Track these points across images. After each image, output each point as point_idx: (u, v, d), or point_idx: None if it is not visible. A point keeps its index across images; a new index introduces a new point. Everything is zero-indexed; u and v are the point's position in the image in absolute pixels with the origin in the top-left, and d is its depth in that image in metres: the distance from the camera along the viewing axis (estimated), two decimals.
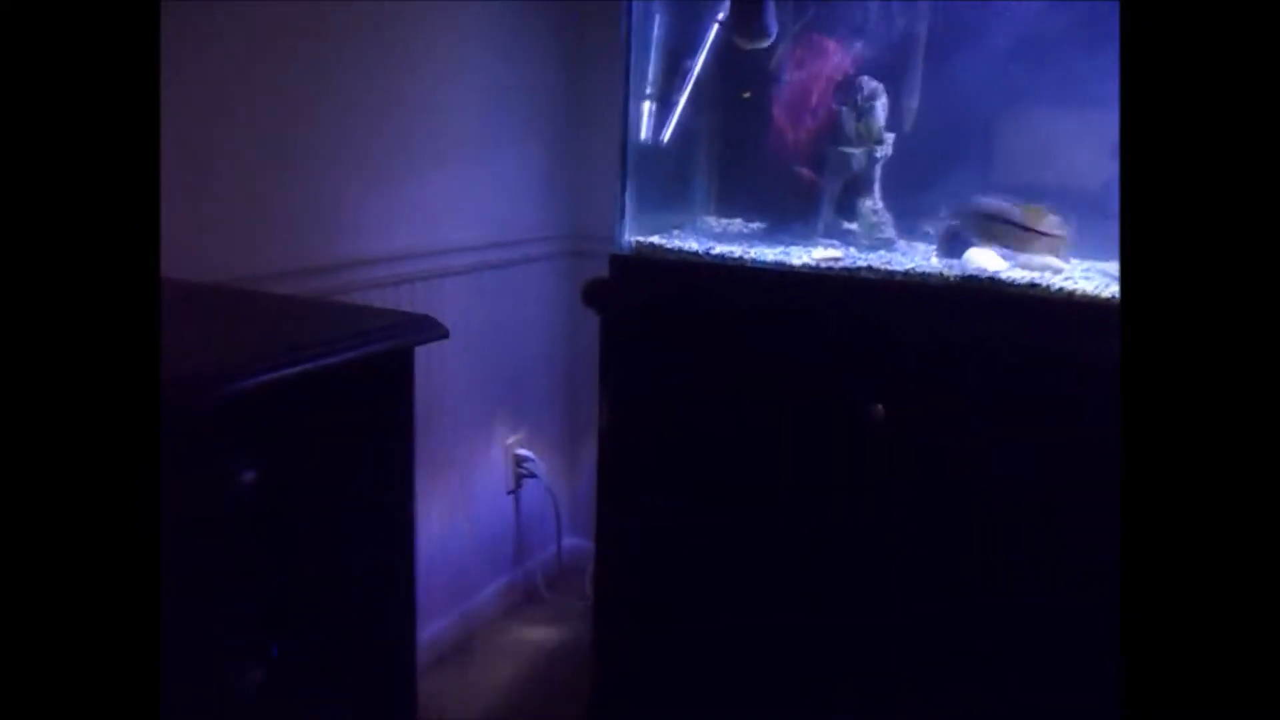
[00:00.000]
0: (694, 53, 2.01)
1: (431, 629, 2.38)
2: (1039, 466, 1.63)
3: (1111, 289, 1.63)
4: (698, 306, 1.87)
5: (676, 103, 2.02)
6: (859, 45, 1.93)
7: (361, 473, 1.33)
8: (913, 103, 1.92)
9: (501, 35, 2.40)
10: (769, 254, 1.86)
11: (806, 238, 1.96)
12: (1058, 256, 1.75)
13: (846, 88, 1.90)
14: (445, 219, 2.29)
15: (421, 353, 1.35)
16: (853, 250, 1.89)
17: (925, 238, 1.93)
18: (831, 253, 1.86)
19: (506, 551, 2.68)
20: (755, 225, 2.12)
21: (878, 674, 1.78)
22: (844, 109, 1.90)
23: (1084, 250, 1.79)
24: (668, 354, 1.90)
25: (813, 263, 1.81)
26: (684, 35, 2.01)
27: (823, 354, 1.77)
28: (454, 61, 2.26)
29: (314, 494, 1.25)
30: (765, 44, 1.92)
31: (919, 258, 1.85)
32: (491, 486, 2.59)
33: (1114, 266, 1.74)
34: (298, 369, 1.15)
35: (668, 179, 2.15)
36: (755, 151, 2.08)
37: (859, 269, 1.77)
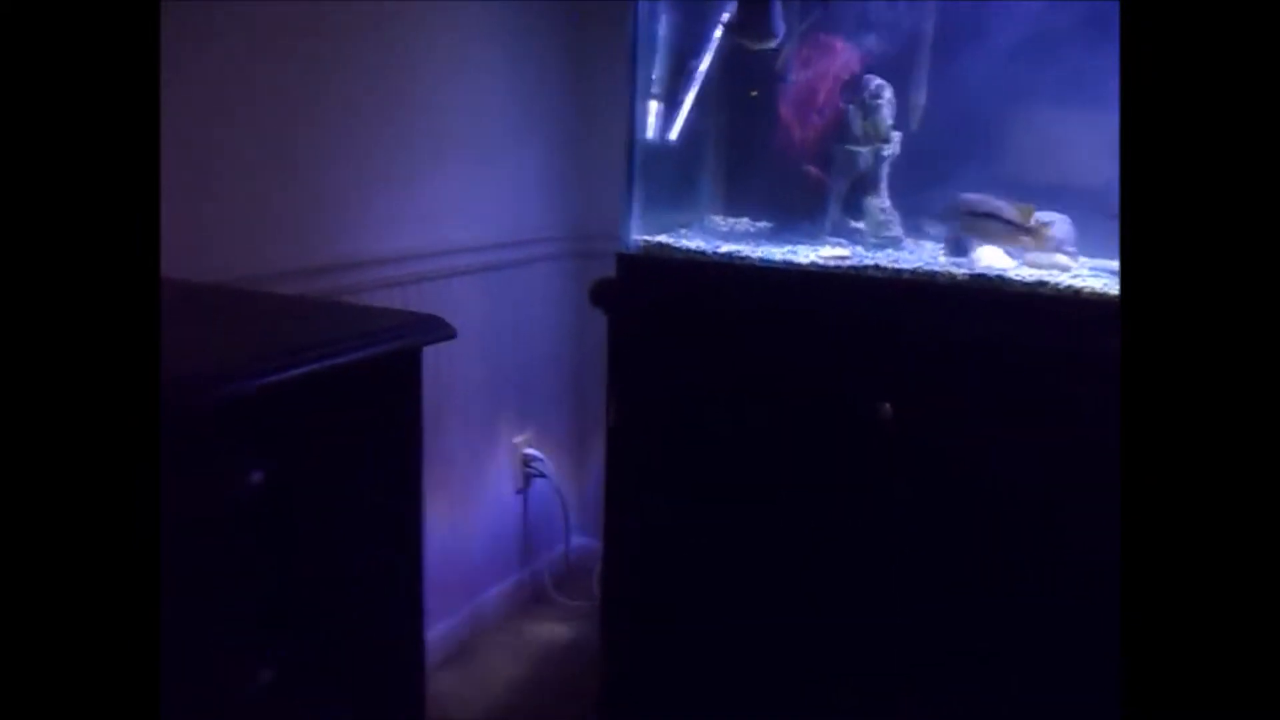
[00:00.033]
0: (700, 52, 2.00)
1: (439, 628, 2.38)
2: (1046, 466, 1.63)
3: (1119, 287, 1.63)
4: (705, 306, 1.87)
5: (683, 102, 2.02)
6: (865, 44, 1.92)
7: (369, 473, 1.33)
8: (920, 101, 1.92)
9: (508, 35, 2.40)
10: (776, 253, 1.86)
11: (813, 237, 1.96)
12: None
13: (853, 86, 1.90)
14: (452, 219, 2.29)
15: (429, 353, 1.35)
16: (860, 249, 1.89)
17: (933, 236, 1.93)
18: (839, 251, 1.86)
19: (514, 551, 2.68)
20: (762, 224, 2.12)
21: (885, 673, 1.78)
22: (851, 107, 1.89)
23: (1092, 249, 1.78)
24: (675, 354, 1.90)
25: (820, 262, 1.81)
26: (690, 34, 2.01)
27: (830, 353, 1.77)
28: (461, 61, 2.27)
29: (322, 494, 1.25)
30: (772, 44, 1.92)
31: (926, 256, 1.84)
32: (499, 486, 2.59)
33: None
34: (305, 369, 1.15)
35: (674, 178, 2.15)
36: (762, 150, 2.08)
37: (866, 268, 1.77)
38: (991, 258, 1.76)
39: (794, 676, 1.86)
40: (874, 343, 1.74)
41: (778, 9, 1.89)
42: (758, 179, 2.16)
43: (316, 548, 1.26)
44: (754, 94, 2.07)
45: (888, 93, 1.88)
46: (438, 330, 1.35)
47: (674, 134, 2.03)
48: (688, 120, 2.03)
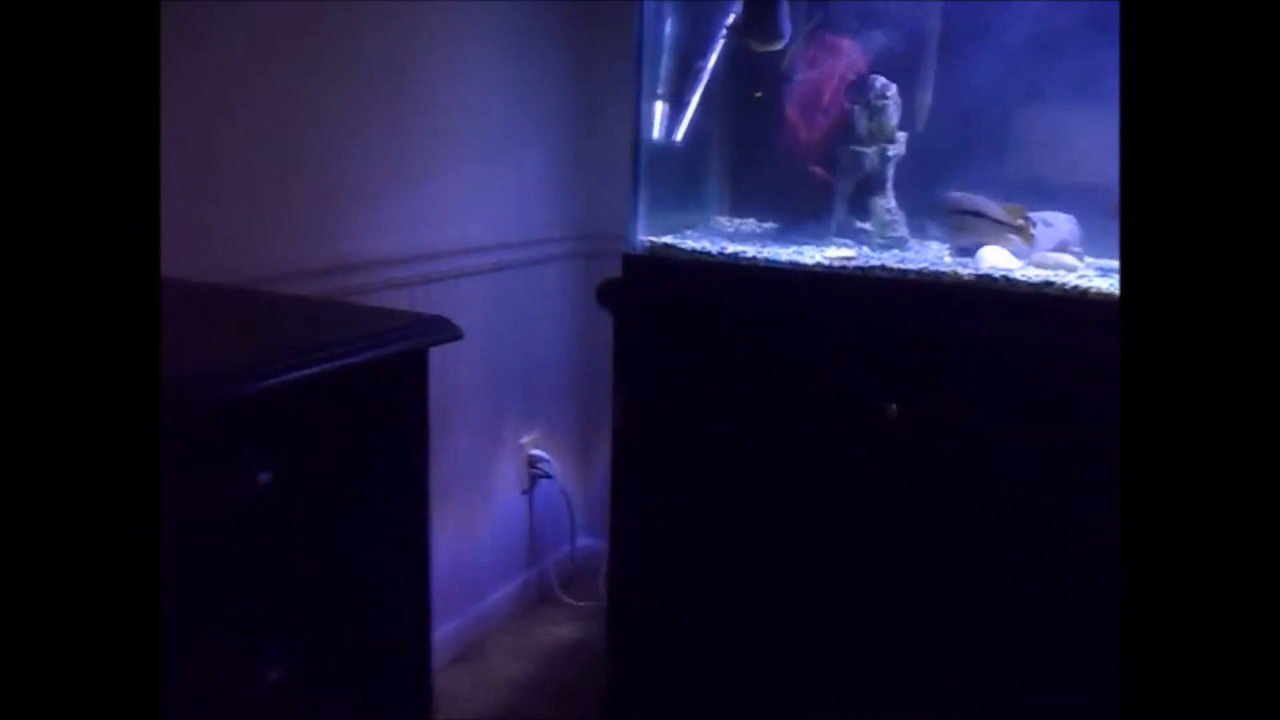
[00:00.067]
0: (706, 52, 2.01)
1: (446, 628, 2.39)
2: (1052, 466, 1.63)
3: None
4: (710, 306, 1.88)
5: (689, 102, 2.02)
6: (871, 44, 1.93)
7: (376, 474, 1.33)
8: (925, 101, 1.92)
9: (514, 35, 2.41)
10: (782, 254, 1.86)
11: (819, 237, 1.96)
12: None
13: (859, 86, 1.90)
14: (458, 220, 2.30)
15: (435, 353, 1.36)
16: (866, 249, 1.89)
17: (938, 236, 1.93)
18: (845, 252, 1.86)
19: (520, 551, 2.68)
20: (768, 225, 2.12)
21: (890, 673, 1.78)
22: (856, 108, 1.90)
23: (1101, 249, 1.78)
24: (681, 354, 1.90)
25: (826, 262, 1.81)
26: (696, 35, 2.01)
27: (836, 354, 1.77)
28: (467, 62, 2.27)
29: (329, 495, 1.26)
30: (779, 46, 1.92)
31: (932, 256, 1.84)
32: (505, 487, 2.60)
33: None
34: (313, 370, 1.15)
35: (680, 179, 2.15)
36: (768, 151, 2.08)
37: (872, 268, 1.77)
38: (997, 258, 1.76)
39: (800, 676, 1.87)
40: (880, 343, 1.74)
41: (784, 10, 1.89)
42: (763, 180, 2.16)
43: (323, 548, 1.26)
44: (759, 95, 2.08)
45: (893, 93, 1.88)
46: (444, 331, 1.35)
47: (679, 134, 2.03)
48: (693, 121, 2.04)
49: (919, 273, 1.74)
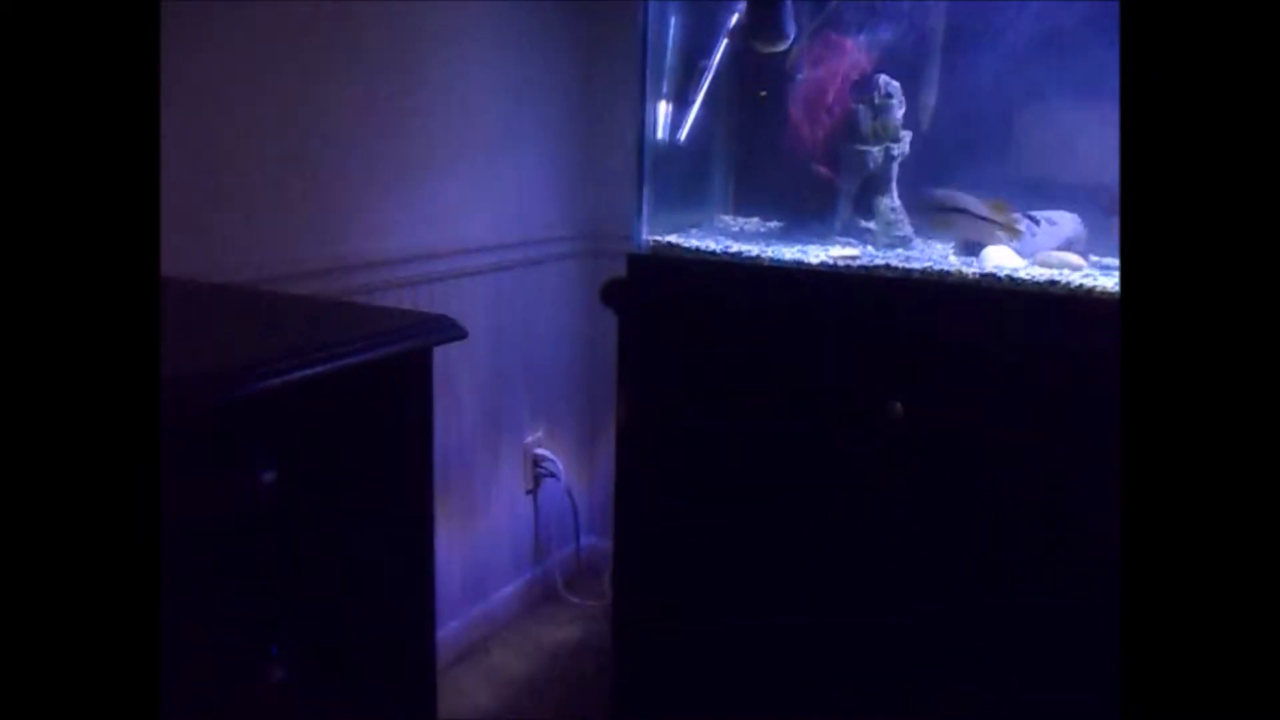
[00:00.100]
0: (710, 52, 2.00)
1: (450, 628, 2.39)
2: (1058, 464, 1.62)
3: None
4: (715, 306, 1.87)
5: (693, 102, 2.02)
6: (875, 43, 1.92)
7: (380, 473, 1.33)
8: (930, 100, 1.92)
9: (517, 35, 2.41)
10: (786, 253, 1.86)
11: (824, 236, 1.96)
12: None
13: (863, 86, 1.90)
14: (462, 219, 2.30)
15: (440, 353, 1.36)
16: (870, 248, 1.89)
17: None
18: (849, 251, 1.86)
19: (525, 551, 2.68)
20: (772, 224, 2.12)
21: (897, 673, 1.78)
22: (860, 107, 1.89)
23: (1107, 247, 1.78)
24: (685, 353, 1.90)
25: (830, 261, 1.81)
26: (700, 35, 2.01)
27: (840, 352, 1.76)
28: (471, 62, 2.27)
29: (333, 494, 1.26)
30: (783, 47, 1.92)
31: (936, 255, 1.84)
32: (510, 486, 2.60)
33: None
34: (317, 369, 1.15)
35: (685, 178, 2.15)
36: (772, 150, 2.08)
37: (876, 267, 1.77)
38: (1001, 257, 1.75)
39: (803, 675, 1.86)
40: (884, 342, 1.73)
41: (789, 11, 1.89)
42: (767, 179, 2.16)
43: (326, 548, 1.26)
44: (763, 94, 2.07)
45: (897, 92, 1.88)
46: (448, 330, 1.35)
47: (684, 134, 2.03)
48: (697, 120, 2.04)
49: (923, 272, 1.74)
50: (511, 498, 2.61)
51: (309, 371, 1.14)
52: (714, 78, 2.01)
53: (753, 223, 2.17)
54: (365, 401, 1.28)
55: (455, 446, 2.35)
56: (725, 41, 2.00)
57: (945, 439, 1.70)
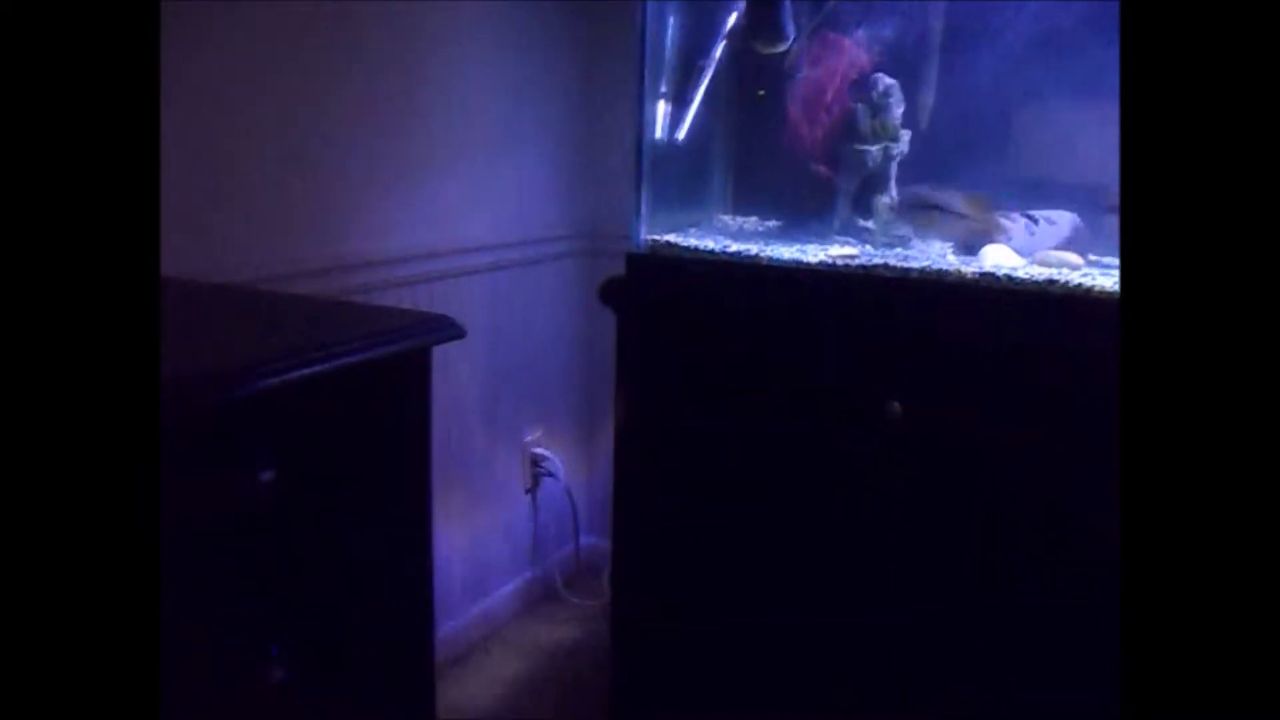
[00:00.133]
0: (709, 51, 2.00)
1: (449, 627, 2.39)
2: (1057, 463, 1.62)
3: None
4: (713, 305, 1.87)
5: (692, 101, 2.02)
6: (874, 42, 1.92)
7: (379, 472, 1.33)
8: (929, 99, 1.92)
9: (516, 34, 2.41)
10: (785, 252, 1.86)
11: (822, 236, 1.96)
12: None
13: (861, 85, 1.90)
14: (461, 218, 2.30)
15: (439, 352, 1.36)
16: (869, 248, 1.89)
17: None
18: (848, 250, 1.86)
19: (524, 550, 2.68)
20: (771, 223, 2.12)
21: (898, 673, 1.78)
22: (859, 106, 1.89)
23: (1107, 247, 1.78)
24: (684, 352, 1.90)
25: (829, 260, 1.81)
26: (699, 34, 2.01)
27: (840, 352, 1.77)
28: (470, 61, 2.27)
29: (332, 494, 1.26)
30: (783, 48, 1.92)
31: (935, 255, 1.84)
32: (509, 486, 2.60)
33: None
34: (316, 369, 1.15)
35: (683, 177, 2.15)
36: (771, 150, 2.08)
37: (875, 266, 1.77)
38: (999, 256, 1.75)
39: (802, 675, 1.86)
40: (882, 342, 1.73)
41: (788, 11, 1.89)
42: (766, 178, 2.16)
43: (325, 547, 1.26)
44: (762, 93, 2.07)
45: (896, 91, 1.88)
46: (447, 329, 1.36)
47: (682, 133, 2.03)
48: (696, 119, 2.04)
49: (922, 271, 1.74)
50: (510, 497, 2.61)
51: (307, 371, 1.14)
52: (713, 77, 2.01)
53: (751, 222, 2.16)
54: (364, 401, 1.28)
55: (454, 446, 2.35)
56: (724, 40, 2.00)
57: (944, 438, 1.70)
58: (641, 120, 1.97)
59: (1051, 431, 1.62)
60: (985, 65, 1.81)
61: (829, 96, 1.93)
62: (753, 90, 2.10)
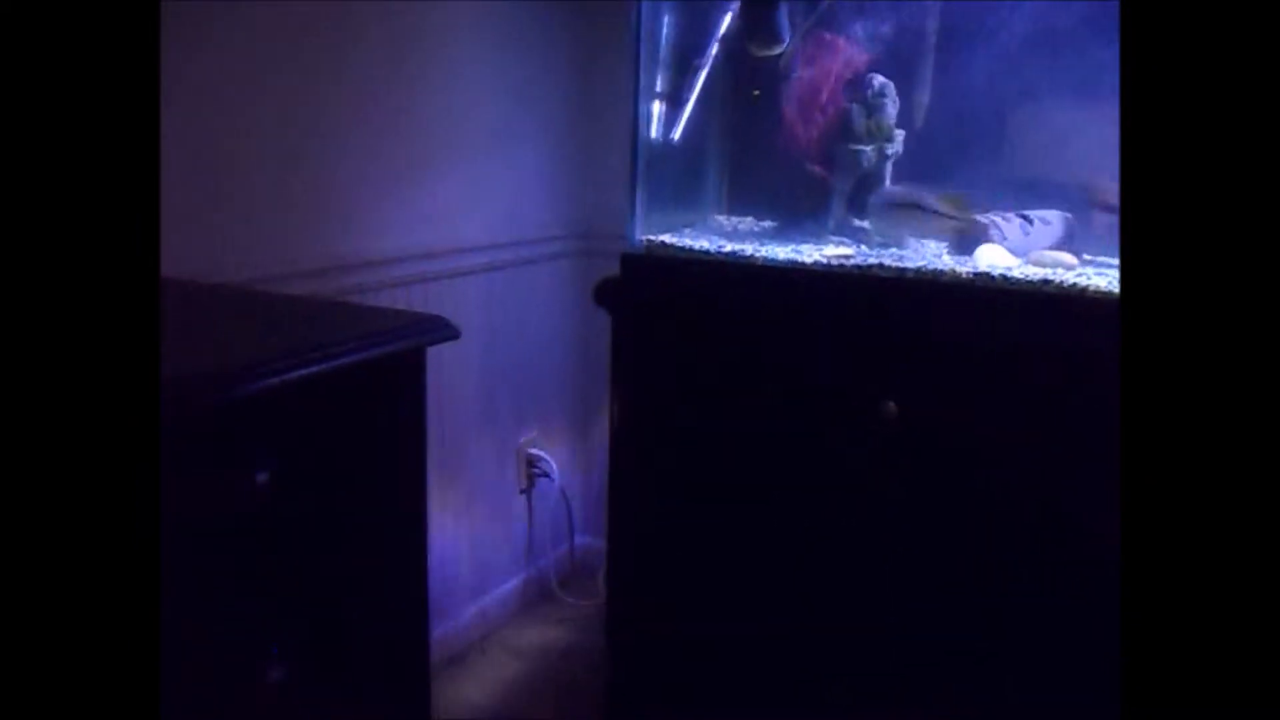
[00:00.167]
0: (704, 51, 2.01)
1: (444, 628, 2.39)
2: (1052, 463, 1.63)
3: None
4: (709, 305, 1.87)
5: (687, 101, 2.02)
6: (869, 42, 1.93)
7: (374, 473, 1.33)
8: (923, 99, 1.92)
9: (512, 34, 2.41)
10: (780, 252, 1.86)
11: (817, 235, 1.96)
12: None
13: (856, 85, 1.90)
14: (456, 219, 2.30)
15: (433, 353, 1.36)
16: (864, 248, 1.89)
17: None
18: (843, 250, 1.86)
19: (519, 551, 2.68)
20: (766, 223, 2.12)
21: (893, 674, 1.78)
22: (854, 106, 1.90)
23: (1102, 247, 1.79)
24: (679, 352, 1.90)
25: (824, 260, 1.81)
26: (694, 34, 2.01)
27: (835, 352, 1.77)
28: (465, 62, 2.27)
29: (327, 494, 1.26)
30: (778, 50, 1.93)
31: (930, 255, 1.84)
32: (504, 486, 2.60)
33: None
34: (310, 370, 1.15)
35: (678, 178, 2.15)
36: (766, 150, 2.08)
37: (870, 266, 1.77)
38: (994, 256, 1.76)
39: (797, 675, 1.87)
40: (878, 342, 1.74)
41: (783, 13, 1.89)
42: (761, 178, 2.16)
43: (322, 548, 1.26)
44: (757, 93, 2.08)
45: (891, 91, 1.88)
46: (442, 330, 1.36)
47: (678, 133, 2.04)
48: (691, 119, 2.04)
49: (917, 271, 1.74)
50: (505, 498, 2.61)
51: (304, 372, 1.14)
52: (708, 77, 2.02)
53: (747, 222, 2.17)
54: (359, 401, 1.28)
55: (449, 446, 2.35)
56: (719, 40, 2.00)
57: (939, 438, 1.70)
58: (637, 120, 1.97)
59: (1047, 431, 1.62)
60: (980, 65, 1.81)
61: (824, 96, 1.93)
62: (748, 90, 2.10)
